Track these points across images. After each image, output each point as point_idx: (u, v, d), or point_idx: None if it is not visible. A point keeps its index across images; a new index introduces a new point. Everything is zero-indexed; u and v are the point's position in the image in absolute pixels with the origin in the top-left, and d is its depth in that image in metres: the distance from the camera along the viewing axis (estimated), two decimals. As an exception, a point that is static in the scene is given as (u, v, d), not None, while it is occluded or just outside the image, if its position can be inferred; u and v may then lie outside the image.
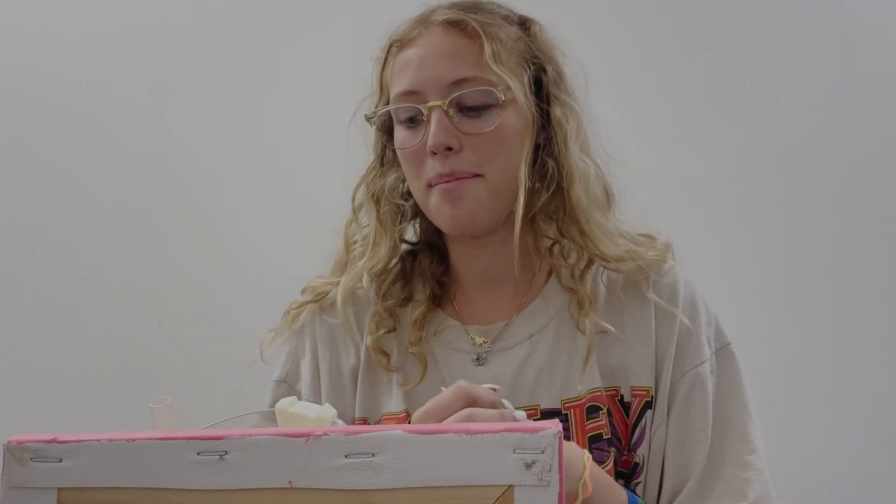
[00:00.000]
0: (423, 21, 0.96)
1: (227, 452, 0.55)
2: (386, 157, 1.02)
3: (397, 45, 0.97)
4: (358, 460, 0.54)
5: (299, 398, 1.00)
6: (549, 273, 1.01)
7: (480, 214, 0.93)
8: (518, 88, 0.92)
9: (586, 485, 0.75)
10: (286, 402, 0.71)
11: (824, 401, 1.65)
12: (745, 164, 1.72)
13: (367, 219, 1.03)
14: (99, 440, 0.57)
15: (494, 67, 0.91)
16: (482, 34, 0.92)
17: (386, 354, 0.98)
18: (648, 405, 0.94)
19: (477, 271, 1.01)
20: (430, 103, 0.91)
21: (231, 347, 1.69)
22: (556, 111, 0.95)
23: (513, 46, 0.95)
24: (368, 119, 1.00)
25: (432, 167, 0.92)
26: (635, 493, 0.90)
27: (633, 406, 0.94)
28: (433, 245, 1.04)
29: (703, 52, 1.75)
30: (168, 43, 1.79)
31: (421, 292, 1.02)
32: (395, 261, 1.02)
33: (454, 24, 0.94)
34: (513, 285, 1.00)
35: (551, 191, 0.96)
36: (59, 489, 0.56)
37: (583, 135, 0.97)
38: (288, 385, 1.04)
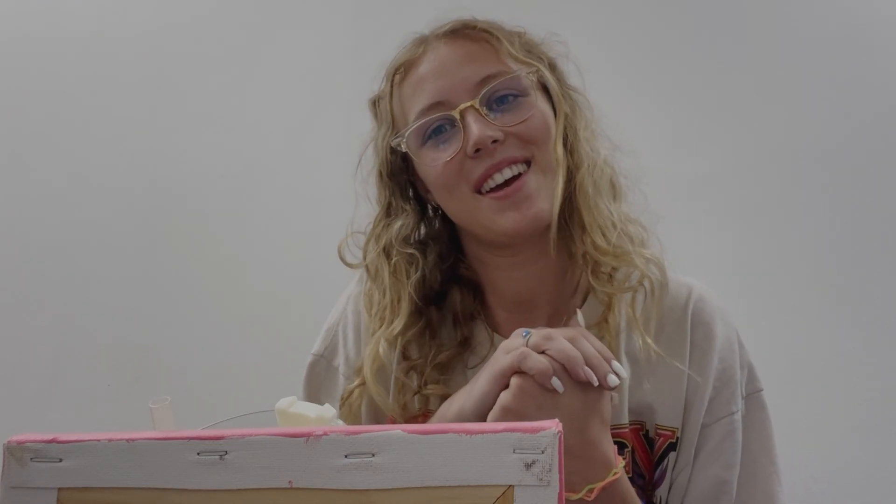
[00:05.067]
0: (423, 41, 0.94)
1: (227, 452, 0.55)
2: (392, 205, 0.98)
3: (401, 71, 0.94)
4: (358, 460, 0.54)
5: (336, 374, 1.00)
6: (587, 294, 0.96)
7: (545, 207, 0.89)
8: (545, 70, 0.92)
9: (591, 491, 0.76)
10: (286, 402, 0.71)
11: (824, 400, 1.65)
12: (745, 165, 1.72)
13: (378, 279, 0.96)
14: (99, 440, 0.57)
15: (518, 55, 0.91)
16: (492, 33, 0.92)
17: (415, 417, 0.94)
18: (672, 447, 0.91)
19: (512, 293, 0.96)
20: (462, 106, 0.89)
21: (231, 348, 1.70)
22: (564, 105, 0.94)
23: (519, 45, 0.94)
24: (396, 145, 0.94)
25: (477, 167, 0.89)
26: None
27: (657, 444, 0.91)
28: (462, 279, 0.99)
29: (703, 52, 1.75)
30: (168, 43, 1.79)
31: (451, 337, 0.97)
32: (415, 319, 0.95)
33: (458, 33, 0.93)
34: (547, 308, 0.96)
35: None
36: (59, 489, 0.56)
37: (591, 126, 0.96)
38: (325, 360, 1.01)
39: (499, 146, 0.88)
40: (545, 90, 0.94)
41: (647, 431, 0.91)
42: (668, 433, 0.91)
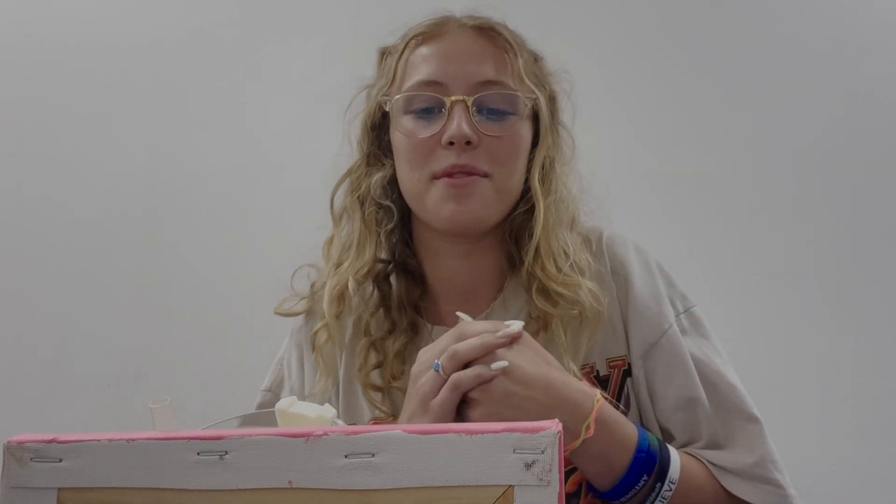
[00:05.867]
0: (449, 21, 0.98)
1: (227, 452, 0.55)
2: (372, 154, 1.01)
3: (419, 38, 0.97)
4: (358, 460, 0.54)
5: None
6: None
7: (483, 214, 0.94)
8: (542, 103, 0.96)
9: (589, 427, 0.81)
10: (286, 402, 0.71)
11: (821, 400, 1.65)
12: (745, 164, 1.72)
13: (349, 223, 1.00)
14: (99, 440, 0.57)
15: (526, 79, 0.95)
16: (514, 47, 0.96)
17: (379, 389, 0.97)
18: (627, 373, 0.96)
19: (454, 283, 1.00)
20: (455, 97, 0.92)
21: (231, 348, 1.70)
22: (549, 136, 0.98)
23: (532, 67, 0.98)
24: (383, 102, 0.98)
25: (444, 158, 0.92)
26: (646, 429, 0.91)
27: (613, 378, 0.95)
28: (406, 266, 1.02)
29: (701, 52, 1.75)
30: (168, 45, 1.80)
31: (401, 321, 0.99)
32: (378, 266, 1.00)
33: (485, 31, 0.97)
34: (487, 300, 1.00)
35: (528, 207, 0.97)
36: (59, 489, 0.56)
37: (569, 164, 1.01)
38: (273, 394, 1.05)
39: (470, 149, 0.92)
40: (535, 119, 0.98)
41: (598, 371, 0.95)
42: (620, 362, 0.96)
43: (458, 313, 0.88)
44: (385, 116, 0.99)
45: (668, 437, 0.95)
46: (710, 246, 1.68)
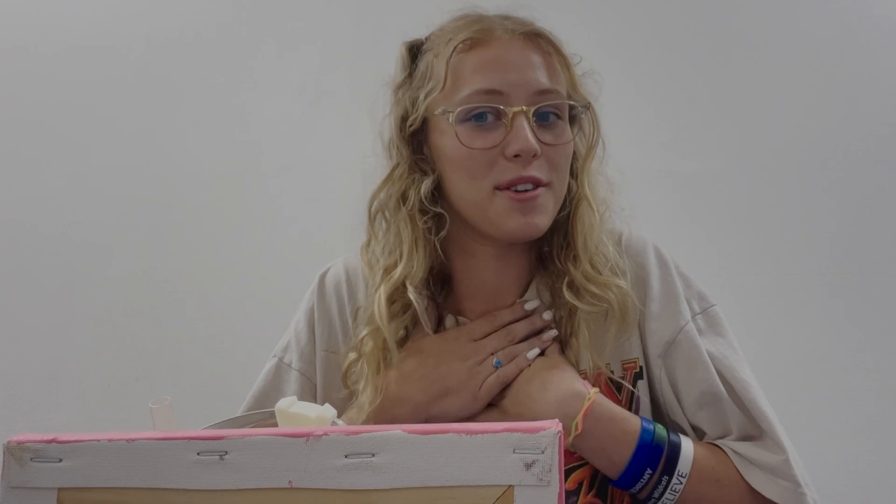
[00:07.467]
0: (491, 28, 0.95)
1: (227, 452, 0.55)
2: (415, 162, 0.97)
3: (467, 42, 0.94)
4: (358, 460, 0.54)
5: (288, 370, 1.04)
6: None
7: (545, 225, 0.94)
8: (590, 107, 0.97)
9: (578, 425, 0.87)
10: (286, 402, 0.71)
11: (817, 399, 1.65)
12: (745, 163, 1.72)
13: (392, 230, 0.98)
14: (99, 440, 0.57)
15: (579, 88, 0.97)
16: (564, 54, 0.96)
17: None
18: (639, 376, 0.97)
19: (484, 283, 1.00)
20: (516, 108, 0.91)
21: (231, 348, 1.70)
22: (595, 145, 0.99)
23: (573, 73, 0.98)
24: (442, 112, 0.94)
25: (508, 170, 0.91)
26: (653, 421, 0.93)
27: (627, 380, 0.96)
28: (432, 269, 0.99)
29: (700, 53, 1.75)
30: (168, 42, 1.80)
31: (428, 326, 0.98)
32: (427, 277, 0.97)
33: (531, 38, 0.95)
34: (513, 298, 1.00)
35: (567, 211, 0.98)
36: (59, 489, 0.56)
37: (602, 166, 1.01)
38: (278, 359, 1.06)
39: (534, 160, 0.91)
40: (577, 122, 0.98)
41: (613, 371, 0.96)
42: (632, 364, 0.97)
43: (527, 304, 0.97)
44: (425, 121, 0.96)
45: (699, 434, 0.96)
46: (726, 246, 1.68)
